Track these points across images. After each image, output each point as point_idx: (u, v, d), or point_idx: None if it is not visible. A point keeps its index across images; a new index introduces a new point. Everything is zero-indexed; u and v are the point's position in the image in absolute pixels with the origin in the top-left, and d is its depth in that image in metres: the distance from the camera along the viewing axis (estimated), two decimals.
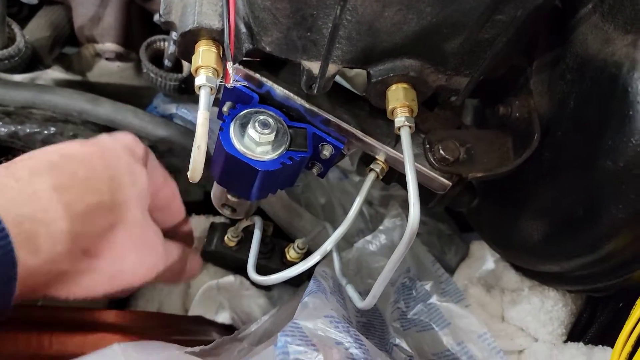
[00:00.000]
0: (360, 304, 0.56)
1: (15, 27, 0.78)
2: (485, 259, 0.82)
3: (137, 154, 0.58)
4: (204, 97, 0.47)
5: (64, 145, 0.52)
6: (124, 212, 0.52)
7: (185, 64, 0.86)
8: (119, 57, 0.90)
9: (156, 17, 0.90)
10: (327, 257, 0.72)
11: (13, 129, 0.76)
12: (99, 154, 0.53)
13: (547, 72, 0.58)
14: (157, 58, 0.85)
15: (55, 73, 0.89)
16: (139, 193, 0.55)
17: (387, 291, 0.78)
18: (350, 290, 0.61)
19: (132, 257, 0.53)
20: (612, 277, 0.56)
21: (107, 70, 0.92)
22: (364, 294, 0.73)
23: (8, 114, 0.77)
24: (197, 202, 1.07)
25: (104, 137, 0.57)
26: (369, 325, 0.72)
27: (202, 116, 0.47)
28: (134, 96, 0.91)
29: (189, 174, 0.47)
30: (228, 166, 0.55)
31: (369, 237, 0.85)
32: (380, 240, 0.85)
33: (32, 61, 0.84)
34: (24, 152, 0.80)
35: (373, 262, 0.82)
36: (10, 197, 0.43)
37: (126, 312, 0.70)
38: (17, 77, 0.85)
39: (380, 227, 0.86)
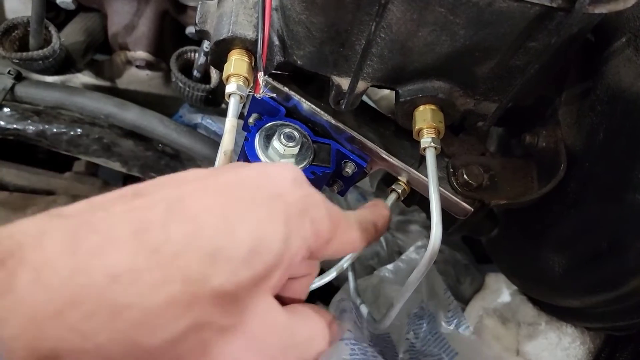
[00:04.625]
0: (375, 324, 0.55)
1: (52, 30, 0.80)
2: (501, 292, 0.81)
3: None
4: (234, 105, 0.48)
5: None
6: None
7: (213, 76, 0.87)
8: (149, 65, 0.92)
9: (189, 29, 0.92)
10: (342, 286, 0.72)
11: (41, 127, 0.77)
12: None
13: (576, 103, 0.58)
14: (186, 69, 0.86)
15: (85, 77, 0.91)
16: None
17: (401, 322, 0.76)
18: (365, 311, 0.60)
19: None
20: (635, 315, 0.55)
21: (137, 78, 0.93)
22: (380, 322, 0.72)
23: (37, 113, 0.79)
24: None
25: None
26: (381, 354, 0.71)
27: (230, 123, 0.47)
28: (160, 105, 0.92)
29: None
30: None
31: (389, 266, 0.84)
32: (400, 269, 0.84)
33: (64, 64, 0.86)
34: (49, 151, 0.83)
35: (391, 291, 0.81)
36: None
37: None
38: (49, 79, 0.87)
39: (402, 257, 0.85)
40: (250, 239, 0.31)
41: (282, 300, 0.38)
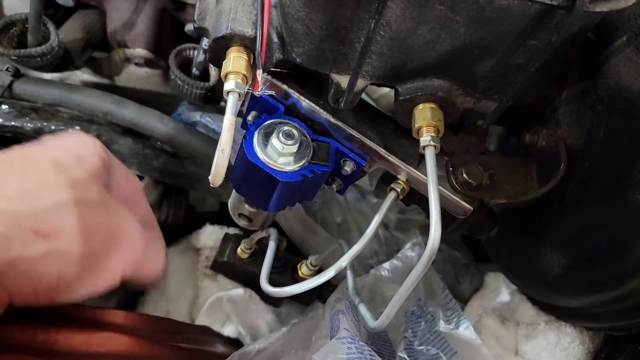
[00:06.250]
0: (373, 323, 0.55)
1: (51, 26, 0.80)
2: (500, 291, 0.80)
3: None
4: (232, 103, 0.47)
5: None
6: None
7: (212, 74, 0.87)
8: (148, 63, 0.92)
9: (187, 27, 0.91)
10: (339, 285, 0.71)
11: (39, 125, 0.77)
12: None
13: (576, 102, 0.58)
14: (185, 66, 0.86)
15: (84, 75, 0.91)
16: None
17: (399, 321, 0.76)
18: (363, 310, 0.60)
19: None
20: (634, 315, 0.54)
21: (135, 76, 0.93)
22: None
23: (35, 110, 0.78)
24: (212, 212, 1.07)
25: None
26: (378, 352, 0.71)
27: (228, 121, 0.47)
28: (159, 103, 0.91)
29: (210, 177, 0.47)
30: (249, 174, 0.54)
31: (385, 264, 0.83)
32: (397, 267, 0.83)
33: (63, 61, 0.85)
34: None
35: (388, 290, 0.80)
36: None
37: (134, 314, 0.69)
38: (47, 76, 0.86)
39: (398, 255, 0.85)
40: None
41: None
